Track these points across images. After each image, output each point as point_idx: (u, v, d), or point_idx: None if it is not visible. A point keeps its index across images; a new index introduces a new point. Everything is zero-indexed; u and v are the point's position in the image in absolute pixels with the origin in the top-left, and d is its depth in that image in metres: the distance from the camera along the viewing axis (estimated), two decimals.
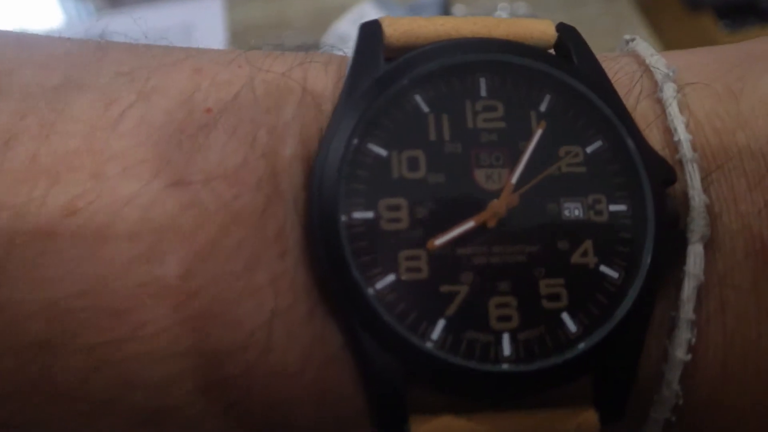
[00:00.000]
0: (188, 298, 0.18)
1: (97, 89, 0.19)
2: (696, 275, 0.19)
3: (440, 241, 0.19)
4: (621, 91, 0.21)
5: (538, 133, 0.20)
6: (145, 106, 0.19)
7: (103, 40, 0.22)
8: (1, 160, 0.18)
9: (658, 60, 0.22)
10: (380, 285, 0.18)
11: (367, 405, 0.19)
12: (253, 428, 0.19)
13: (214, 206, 0.18)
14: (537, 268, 0.19)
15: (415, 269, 0.19)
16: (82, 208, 0.18)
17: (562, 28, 0.22)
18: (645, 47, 0.23)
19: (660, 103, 0.21)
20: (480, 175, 0.19)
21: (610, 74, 0.21)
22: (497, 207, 0.19)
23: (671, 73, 0.21)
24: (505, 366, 0.18)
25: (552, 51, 0.22)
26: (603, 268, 0.19)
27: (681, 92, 0.21)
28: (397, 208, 0.19)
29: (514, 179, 0.19)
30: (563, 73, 0.20)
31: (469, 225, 0.19)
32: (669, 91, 0.21)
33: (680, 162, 0.20)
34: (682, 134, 0.20)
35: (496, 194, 0.19)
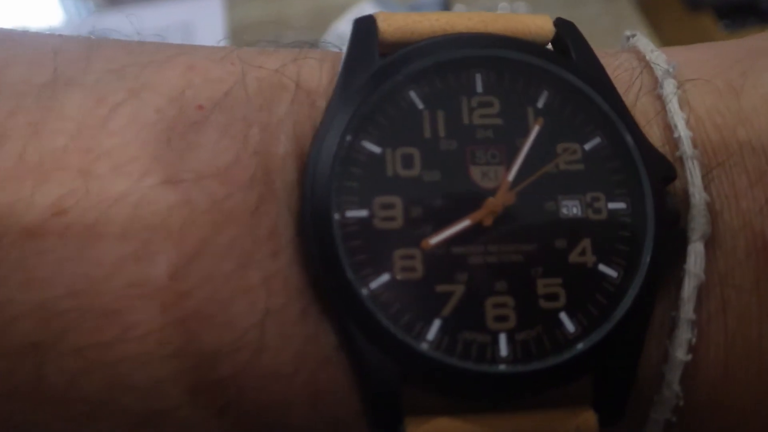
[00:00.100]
0: (179, 298, 0.18)
1: (86, 87, 0.19)
2: (696, 274, 0.19)
3: (435, 240, 0.19)
4: (620, 88, 0.21)
5: (535, 129, 0.20)
6: (135, 104, 0.19)
7: (93, 37, 0.21)
8: None
9: (658, 56, 0.22)
10: (374, 285, 0.18)
11: (362, 406, 0.19)
12: (249, 429, 0.19)
13: (205, 205, 0.18)
14: (534, 268, 0.19)
15: (409, 269, 0.18)
16: (71, 207, 0.18)
17: (559, 23, 0.21)
18: (645, 43, 0.23)
19: (660, 99, 0.21)
20: (476, 172, 0.19)
21: (609, 70, 0.21)
22: (493, 205, 0.19)
23: (671, 69, 0.21)
24: (502, 367, 0.18)
25: (550, 46, 0.21)
26: (602, 267, 0.19)
27: (681, 88, 0.21)
28: (391, 206, 0.19)
29: (510, 177, 0.19)
30: (561, 69, 0.20)
31: (464, 223, 0.19)
32: (669, 88, 0.21)
33: (680, 159, 0.20)
34: (683, 131, 0.20)
35: (493, 192, 0.19)
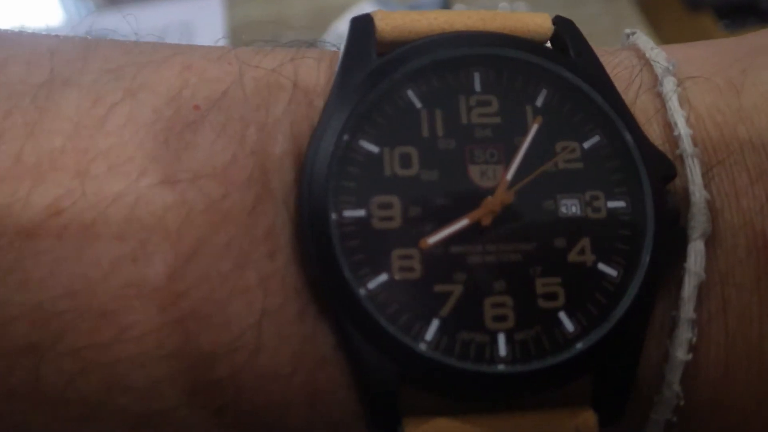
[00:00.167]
0: (176, 298, 0.18)
1: (83, 87, 0.19)
2: (697, 273, 0.19)
3: (433, 239, 0.18)
4: (620, 86, 0.21)
5: (534, 128, 0.20)
6: (132, 104, 0.19)
7: (90, 38, 0.21)
8: None
9: (658, 53, 0.22)
10: (372, 285, 0.18)
11: (360, 406, 0.19)
12: (247, 430, 0.19)
13: (202, 205, 0.18)
14: (533, 267, 0.19)
15: (408, 268, 0.18)
16: (68, 208, 0.17)
17: (558, 21, 0.21)
18: (645, 41, 0.22)
19: (660, 97, 0.21)
20: (474, 171, 0.19)
21: (608, 68, 0.21)
22: (492, 204, 0.19)
23: (671, 67, 0.21)
24: (501, 367, 0.18)
25: (549, 44, 0.21)
26: (601, 267, 0.19)
27: (681, 86, 0.21)
28: (389, 206, 0.18)
29: (509, 176, 0.19)
30: (560, 67, 0.20)
31: (463, 223, 0.19)
32: (669, 85, 0.21)
33: (680, 157, 0.20)
34: (683, 129, 0.20)
35: (491, 191, 0.19)
